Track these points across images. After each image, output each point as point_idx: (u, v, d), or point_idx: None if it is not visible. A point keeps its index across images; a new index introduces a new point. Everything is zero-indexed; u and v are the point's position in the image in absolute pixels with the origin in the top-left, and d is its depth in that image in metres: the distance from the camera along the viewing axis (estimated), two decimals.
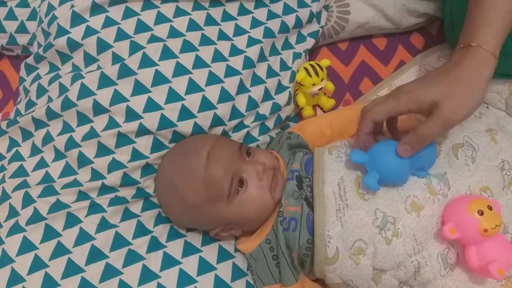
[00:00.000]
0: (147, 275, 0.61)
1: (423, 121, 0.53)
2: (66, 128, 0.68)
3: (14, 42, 0.85)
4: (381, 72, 0.86)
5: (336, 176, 0.61)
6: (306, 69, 0.75)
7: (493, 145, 0.64)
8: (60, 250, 0.61)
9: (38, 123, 0.71)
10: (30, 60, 0.76)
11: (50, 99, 0.71)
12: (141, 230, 0.66)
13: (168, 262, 0.63)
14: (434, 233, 0.59)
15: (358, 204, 0.59)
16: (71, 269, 0.60)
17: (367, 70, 0.87)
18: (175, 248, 0.65)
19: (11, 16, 0.83)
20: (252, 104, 0.73)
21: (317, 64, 0.76)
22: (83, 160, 0.67)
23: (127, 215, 0.66)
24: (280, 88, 0.77)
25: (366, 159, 0.57)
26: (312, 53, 0.88)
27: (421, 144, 0.54)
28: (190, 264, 0.63)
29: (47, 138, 0.69)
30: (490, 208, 0.56)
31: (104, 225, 0.64)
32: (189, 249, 0.65)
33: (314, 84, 0.75)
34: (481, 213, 0.55)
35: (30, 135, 0.71)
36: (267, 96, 0.75)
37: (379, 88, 0.82)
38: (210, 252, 0.66)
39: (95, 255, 0.61)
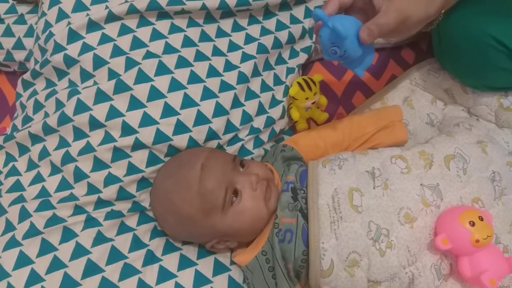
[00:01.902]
0: None
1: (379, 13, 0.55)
2: (63, 143, 0.69)
3: (11, 58, 0.86)
4: (373, 85, 0.88)
5: (330, 189, 0.62)
6: (299, 83, 0.76)
7: (484, 156, 0.66)
8: (56, 264, 0.61)
9: (35, 138, 0.71)
10: (27, 76, 0.77)
11: (46, 115, 0.72)
12: (137, 244, 0.66)
13: (164, 275, 0.63)
14: (427, 244, 0.60)
15: (352, 216, 0.60)
16: (67, 283, 0.60)
17: (359, 84, 0.88)
18: (170, 262, 0.65)
19: (8, 32, 0.84)
20: (246, 118, 0.74)
21: (310, 78, 0.77)
22: (79, 175, 0.67)
23: (123, 228, 0.67)
24: (274, 102, 0.78)
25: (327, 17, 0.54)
26: (305, 68, 0.90)
27: (380, 33, 0.54)
28: (186, 278, 0.63)
29: (44, 153, 0.70)
30: (481, 218, 0.57)
31: (100, 239, 0.64)
32: (184, 262, 0.65)
33: (307, 98, 0.76)
34: (472, 224, 0.56)
35: (27, 150, 0.72)
36: (261, 110, 0.76)
37: (371, 101, 0.83)
38: (205, 265, 0.66)
39: (91, 269, 0.61)
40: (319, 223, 0.60)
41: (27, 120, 0.74)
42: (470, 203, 0.62)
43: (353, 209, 0.60)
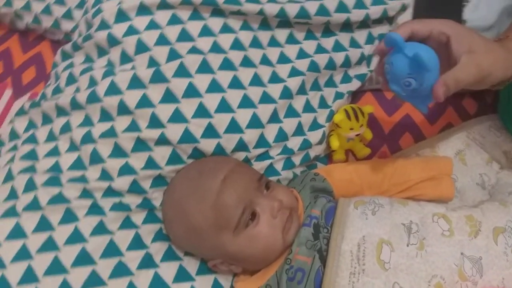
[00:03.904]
0: None
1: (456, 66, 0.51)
2: (87, 121, 0.66)
3: (58, 27, 0.84)
4: (425, 130, 0.80)
5: (358, 235, 0.55)
6: (346, 111, 0.70)
7: None
8: (49, 245, 0.57)
9: (61, 111, 0.68)
10: (67, 47, 0.75)
11: (77, 90, 0.69)
12: (137, 243, 0.61)
13: (157, 284, 0.59)
14: None
15: (376, 272, 0.52)
16: (55, 267, 0.56)
17: (411, 125, 0.81)
18: (168, 271, 0.60)
19: (60, 1, 0.82)
20: (281, 136, 0.69)
21: (359, 108, 0.71)
22: (95, 157, 0.64)
23: (127, 224, 0.62)
24: (315, 126, 0.73)
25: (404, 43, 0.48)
26: (354, 96, 0.83)
27: (455, 89, 0.49)
28: None
29: (66, 128, 0.67)
30: None
31: (100, 229, 0.60)
32: (182, 275, 0.60)
33: (352, 129, 0.70)
34: None
35: (50, 121, 0.69)
36: (299, 131, 0.71)
37: (420, 146, 0.76)
38: (203, 284, 0.61)
39: (83, 258, 0.57)
40: (337, 271, 0.53)
41: (57, 91, 0.72)
42: None
43: (379, 264, 0.53)
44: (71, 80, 0.71)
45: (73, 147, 0.66)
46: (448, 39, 0.52)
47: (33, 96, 0.84)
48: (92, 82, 0.67)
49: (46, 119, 0.70)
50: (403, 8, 0.78)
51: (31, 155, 0.66)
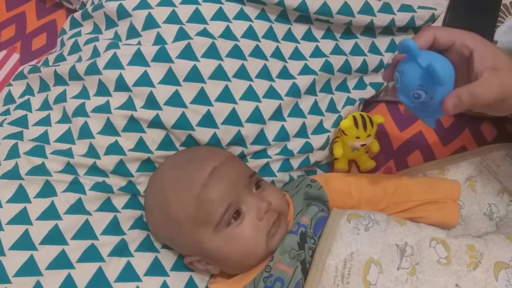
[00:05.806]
0: (99, 280, 0.54)
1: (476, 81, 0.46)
2: (83, 93, 0.63)
3: None
4: (437, 150, 0.76)
5: (346, 250, 0.51)
6: (355, 118, 0.66)
7: None
8: (21, 218, 0.55)
9: (59, 79, 0.66)
10: (77, 15, 0.72)
11: (79, 59, 0.66)
12: (114, 228, 0.58)
13: (128, 274, 0.55)
14: None
15: None
16: (24, 243, 0.53)
17: (422, 143, 0.77)
18: (141, 262, 0.57)
19: None
20: (282, 135, 0.66)
21: (369, 117, 0.67)
22: (85, 132, 0.61)
23: (106, 206, 0.59)
24: (319, 130, 0.69)
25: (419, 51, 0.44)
26: (367, 105, 0.79)
27: (471, 105, 0.44)
28: (151, 286, 0.55)
29: (61, 97, 0.64)
30: None
31: (77, 208, 0.57)
32: (156, 269, 0.57)
33: (358, 137, 0.66)
34: None
35: (47, 89, 0.67)
36: (302, 132, 0.67)
37: (429, 167, 0.71)
38: (177, 280, 0.57)
39: (54, 237, 0.54)
40: (318, 286, 0.49)
41: (60, 58, 0.69)
42: None
43: (364, 284, 0.48)
44: (75, 49, 0.69)
45: (64, 119, 0.63)
46: (471, 54, 0.48)
47: (38, 63, 0.83)
48: (95, 53, 0.65)
49: (43, 86, 0.67)
50: (432, 18, 0.74)
51: (21, 122, 0.64)
